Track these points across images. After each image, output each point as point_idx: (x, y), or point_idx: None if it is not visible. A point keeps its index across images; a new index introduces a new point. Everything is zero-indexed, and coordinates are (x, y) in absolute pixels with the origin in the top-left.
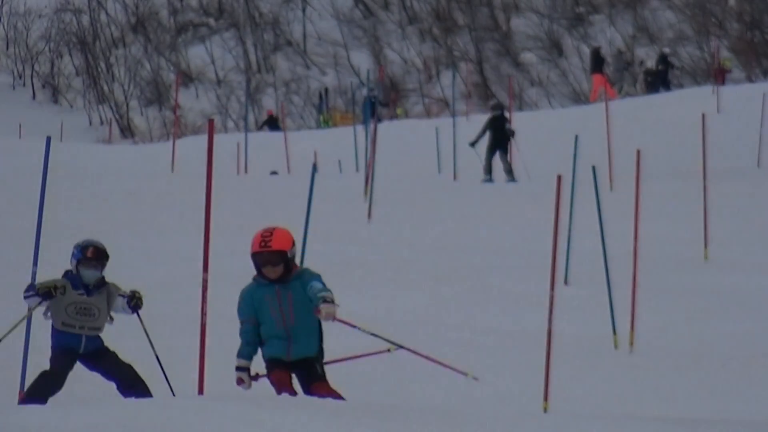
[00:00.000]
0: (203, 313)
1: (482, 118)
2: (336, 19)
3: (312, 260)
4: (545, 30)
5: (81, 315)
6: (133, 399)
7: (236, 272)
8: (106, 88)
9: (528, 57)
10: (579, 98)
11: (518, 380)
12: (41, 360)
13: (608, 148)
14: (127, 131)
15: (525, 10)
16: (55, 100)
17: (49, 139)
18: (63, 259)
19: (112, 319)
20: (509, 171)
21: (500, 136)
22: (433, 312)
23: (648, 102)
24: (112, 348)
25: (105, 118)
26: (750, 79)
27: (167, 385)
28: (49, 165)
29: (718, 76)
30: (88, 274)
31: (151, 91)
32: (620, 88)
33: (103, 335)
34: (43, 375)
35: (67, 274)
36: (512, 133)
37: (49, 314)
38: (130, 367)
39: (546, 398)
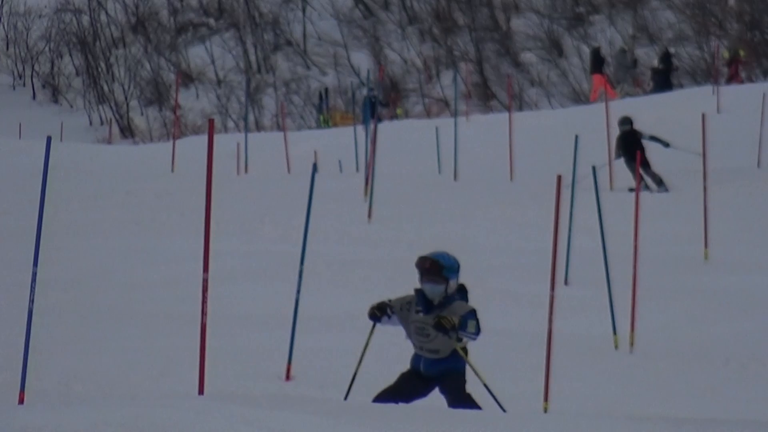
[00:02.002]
0: (203, 313)
1: (482, 119)
2: (336, 19)
3: (312, 260)
4: (545, 30)
5: (418, 335)
6: (133, 399)
7: (236, 272)
8: (106, 88)
9: (528, 57)
10: (579, 98)
11: (518, 380)
12: (41, 360)
13: (608, 148)
14: (128, 131)
15: (525, 10)
16: (55, 100)
17: (49, 139)
18: (63, 259)
19: (460, 340)
20: (660, 182)
21: (632, 154)
22: None
23: (648, 102)
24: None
25: (105, 118)
26: (750, 79)
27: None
28: (49, 165)
29: (731, 67)
30: (427, 289)
31: (151, 91)
32: (621, 88)
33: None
34: (385, 390)
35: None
36: (654, 139)
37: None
38: (464, 400)
39: (546, 398)
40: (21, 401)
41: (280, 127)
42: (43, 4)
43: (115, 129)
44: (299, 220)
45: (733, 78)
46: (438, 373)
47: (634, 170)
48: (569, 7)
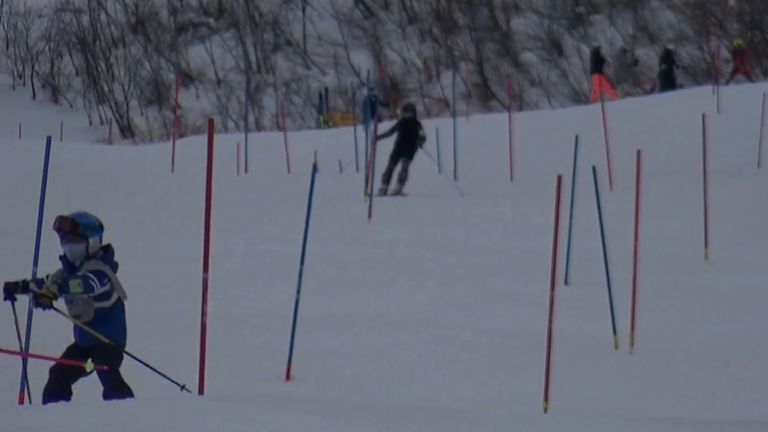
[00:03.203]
0: (203, 313)
1: (482, 119)
2: (336, 19)
3: (312, 260)
4: (545, 30)
5: (67, 302)
6: (133, 399)
7: (236, 272)
8: (106, 88)
9: (528, 57)
10: (579, 98)
11: (518, 380)
12: (41, 360)
13: (608, 148)
14: (127, 131)
15: (525, 10)
16: (55, 100)
17: (49, 139)
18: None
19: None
20: (403, 181)
21: (407, 142)
22: (433, 312)
23: (648, 102)
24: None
25: (105, 118)
26: (750, 79)
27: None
28: (49, 165)
29: (736, 60)
30: (67, 250)
31: (151, 91)
32: (621, 88)
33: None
34: (51, 370)
35: None
36: (423, 140)
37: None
38: (115, 389)
39: (546, 398)
40: (21, 401)
41: (280, 127)
42: (43, 4)
43: (115, 129)
44: (299, 220)
45: (737, 70)
46: (91, 345)
47: (393, 168)
48: (569, 7)
